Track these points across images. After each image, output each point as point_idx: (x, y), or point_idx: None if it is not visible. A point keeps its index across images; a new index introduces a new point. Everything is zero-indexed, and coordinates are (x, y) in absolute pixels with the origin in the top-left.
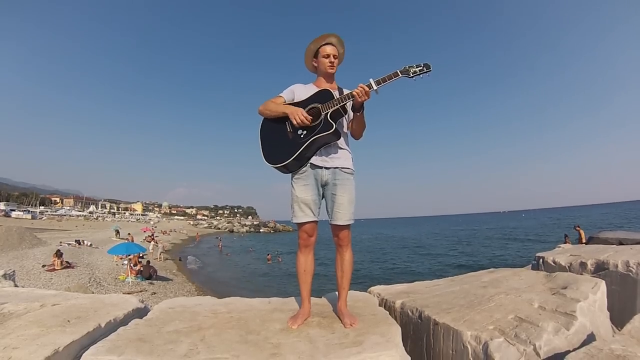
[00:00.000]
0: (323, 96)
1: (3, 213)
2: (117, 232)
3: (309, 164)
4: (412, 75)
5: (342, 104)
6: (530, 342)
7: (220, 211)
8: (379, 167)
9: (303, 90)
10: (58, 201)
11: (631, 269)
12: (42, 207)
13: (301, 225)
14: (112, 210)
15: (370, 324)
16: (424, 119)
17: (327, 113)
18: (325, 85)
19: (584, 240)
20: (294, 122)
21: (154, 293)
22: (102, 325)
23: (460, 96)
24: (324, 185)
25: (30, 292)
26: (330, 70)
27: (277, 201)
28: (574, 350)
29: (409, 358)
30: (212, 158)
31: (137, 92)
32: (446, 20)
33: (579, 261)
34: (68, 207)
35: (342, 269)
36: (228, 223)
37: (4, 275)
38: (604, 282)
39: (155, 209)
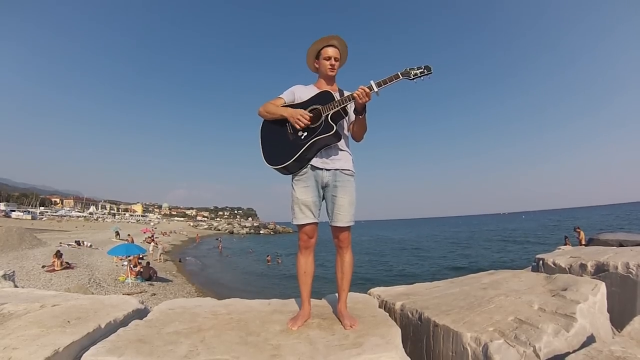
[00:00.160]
0: (324, 98)
1: (3, 213)
2: (117, 233)
3: (309, 166)
4: (412, 77)
5: (342, 105)
6: (530, 344)
7: (220, 212)
8: (378, 169)
9: (304, 92)
10: (58, 202)
11: (631, 270)
12: (42, 207)
13: (301, 227)
14: (112, 211)
15: (370, 326)
16: (424, 120)
17: (328, 115)
18: (325, 87)
19: (583, 242)
20: (296, 127)
21: (154, 294)
22: (102, 326)
23: (460, 97)
24: (325, 187)
25: (30, 293)
26: (331, 73)
27: (277, 203)
28: (574, 352)
29: (409, 359)
30: (212, 159)
31: (137, 92)
32: (446, 21)
33: (579, 263)
34: (68, 208)
35: (342, 271)
36: (228, 224)
37: (4, 276)
38: (604, 283)
39: (155, 210)
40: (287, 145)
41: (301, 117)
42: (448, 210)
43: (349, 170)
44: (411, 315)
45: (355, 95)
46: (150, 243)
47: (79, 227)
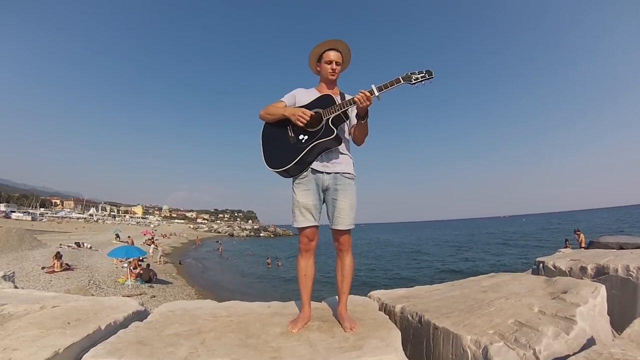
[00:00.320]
0: (325, 101)
1: (3, 214)
2: (117, 235)
3: (310, 169)
4: (414, 81)
5: (343, 109)
6: (530, 347)
7: (221, 215)
8: (379, 172)
9: (305, 95)
10: (58, 203)
11: (631, 273)
12: (42, 209)
13: (302, 230)
14: (112, 213)
15: (370, 328)
16: (424, 124)
17: (329, 118)
18: (327, 91)
19: (583, 245)
20: (298, 123)
21: (154, 296)
22: (102, 327)
23: (461, 100)
24: (325, 190)
25: (30, 294)
26: (331, 77)
27: (277, 205)
28: (574, 354)
29: None
30: (213, 161)
31: (138, 95)
32: (446, 23)
33: (579, 266)
34: (68, 209)
35: (343, 274)
36: (228, 227)
37: (4, 277)
38: (604, 286)
39: (155, 212)
40: (288, 149)
41: (302, 115)
42: (448, 214)
43: (349, 173)
44: (411, 318)
45: (356, 99)
46: (150, 245)
47: (79, 228)
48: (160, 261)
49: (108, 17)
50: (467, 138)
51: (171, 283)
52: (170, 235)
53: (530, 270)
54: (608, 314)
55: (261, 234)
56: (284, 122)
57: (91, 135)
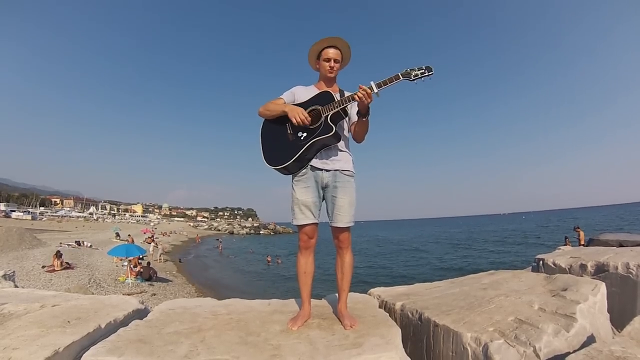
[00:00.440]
0: (323, 98)
1: (3, 214)
2: (117, 234)
3: (309, 166)
4: (413, 78)
5: (342, 106)
6: (530, 344)
7: (221, 213)
8: (378, 169)
9: (304, 92)
10: (58, 202)
11: (631, 270)
12: (42, 208)
13: (301, 228)
14: (112, 212)
15: (370, 326)
16: (424, 121)
17: (328, 115)
18: (325, 88)
19: (582, 242)
20: (294, 121)
21: (154, 294)
22: (102, 326)
23: (461, 98)
24: (325, 188)
25: (30, 293)
26: (330, 75)
27: (277, 203)
28: (574, 352)
29: (409, 359)
30: (213, 160)
31: (138, 94)
32: (446, 22)
33: (579, 263)
34: (68, 208)
35: (342, 271)
36: (228, 225)
37: (4, 276)
38: (604, 284)
39: (155, 210)
40: (287, 146)
41: (300, 113)
42: (448, 211)
43: (349, 171)
44: (411, 315)
45: (357, 97)
46: (150, 243)
47: (79, 227)
48: (160, 259)
49: (108, 17)
50: (468, 136)
51: (171, 281)
52: (170, 233)
53: (530, 267)
54: (608, 311)
55: (261, 232)
56: (282, 120)
57: (91, 135)
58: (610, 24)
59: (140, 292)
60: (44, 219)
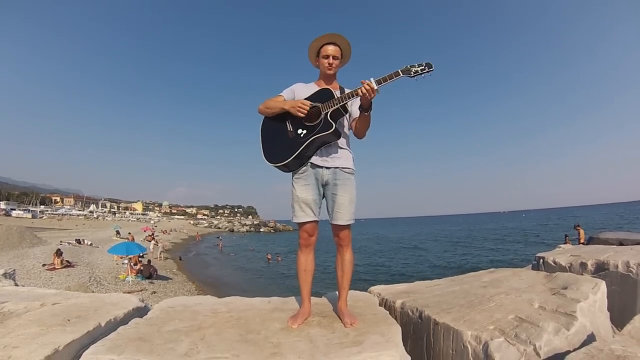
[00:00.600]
0: (323, 95)
1: (3, 212)
2: (118, 232)
3: (309, 164)
4: (413, 74)
5: (342, 103)
6: (530, 342)
7: (221, 211)
8: (379, 167)
9: (304, 90)
10: (58, 200)
11: (631, 269)
12: (43, 206)
13: (302, 225)
14: (112, 210)
15: (370, 324)
16: (425, 119)
17: (327, 112)
18: (325, 85)
19: (582, 240)
20: (298, 114)
21: (154, 292)
22: (102, 324)
23: (461, 96)
24: (325, 185)
25: (30, 291)
26: (329, 72)
27: (277, 201)
28: (574, 350)
29: (409, 358)
30: (213, 158)
31: (138, 93)
32: (445, 21)
33: (579, 261)
34: (68, 207)
35: (343, 269)
36: (228, 222)
37: (5, 274)
38: (604, 282)
39: (155, 208)
40: (287, 143)
41: (302, 105)
42: (447, 209)
43: (349, 168)
44: (411, 313)
45: (360, 92)
46: (150, 241)
47: (80, 225)
48: (160, 257)
49: (107, 17)
50: (468, 134)
51: (171, 279)
52: (171, 231)
53: (530, 265)
54: (608, 310)
55: (261, 230)
56: (282, 117)
57: (91, 133)
58: (610, 24)
59: (141, 290)
60: (45, 217)
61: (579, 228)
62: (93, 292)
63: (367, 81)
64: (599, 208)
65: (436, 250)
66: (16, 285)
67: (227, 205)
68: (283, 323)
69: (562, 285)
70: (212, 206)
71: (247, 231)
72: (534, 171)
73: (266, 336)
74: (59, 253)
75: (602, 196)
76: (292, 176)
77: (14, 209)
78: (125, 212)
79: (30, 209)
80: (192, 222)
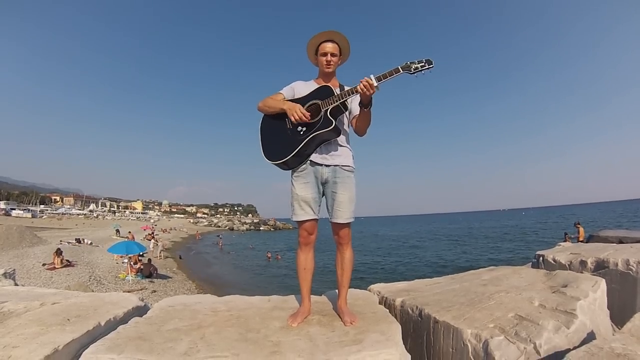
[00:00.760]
0: (323, 92)
1: (3, 212)
2: (118, 231)
3: (308, 162)
4: (413, 71)
5: (342, 100)
6: (530, 341)
7: (221, 209)
8: (379, 165)
9: (303, 87)
10: (58, 200)
11: (631, 267)
12: (42, 205)
13: (301, 224)
14: (112, 209)
15: (370, 322)
16: (425, 117)
17: (327, 110)
18: (325, 83)
19: (581, 238)
20: (292, 119)
21: (154, 291)
22: (102, 323)
23: (461, 94)
24: (324, 183)
25: (30, 291)
26: (327, 69)
27: (277, 199)
28: (574, 348)
29: (409, 356)
30: (213, 156)
31: (137, 92)
32: (444, 19)
33: (579, 259)
34: (68, 206)
35: (342, 267)
36: (228, 221)
37: (4, 274)
38: (604, 280)
39: (155, 207)
40: (287, 141)
41: (298, 111)
42: (447, 207)
43: (349, 166)
44: (411, 311)
45: (359, 89)
46: (150, 240)
47: (79, 224)
48: (160, 256)
49: (107, 16)
50: (468, 132)
51: (171, 278)
52: (170, 230)
53: (530, 263)
54: (608, 308)
55: (261, 228)
56: (282, 114)
57: (91, 132)
58: (610, 24)
59: (141, 289)
60: (44, 216)
61: (579, 226)
62: (93, 291)
63: (366, 78)
64: (598, 206)
65: (435, 249)
66: (16, 284)
67: (227, 203)
68: (283, 322)
69: (562, 283)
70: (212, 205)
71: (247, 230)
72: (533, 169)
73: (266, 335)
74: (58, 252)
75: (602, 194)
76: (292, 174)
77: (14, 209)
78: (125, 211)
79: (30, 208)
80: (192, 220)
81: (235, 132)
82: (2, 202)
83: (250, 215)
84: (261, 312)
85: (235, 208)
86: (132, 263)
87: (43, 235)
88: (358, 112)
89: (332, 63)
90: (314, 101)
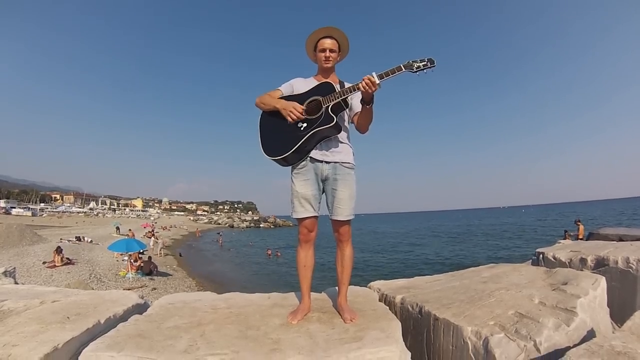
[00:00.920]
0: (324, 89)
1: (3, 210)
2: (118, 228)
3: (308, 158)
4: (415, 70)
5: (343, 97)
6: (530, 338)
7: (221, 206)
8: (379, 162)
9: (302, 84)
10: (58, 198)
11: (631, 265)
12: (43, 204)
13: (301, 221)
14: (112, 207)
15: (370, 319)
16: (425, 115)
17: (328, 106)
18: (324, 79)
19: (581, 236)
20: (288, 119)
21: (155, 289)
22: (102, 321)
23: (461, 92)
24: (324, 180)
25: (30, 289)
26: (326, 65)
27: (277, 196)
28: (574, 346)
29: (409, 353)
30: (213, 153)
31: (137, 90)
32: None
33: (579, 257)
34: (68, 204)
35: (343, 264)
36: (228, 218)
37: (5, 273)
38: (604, 278)
39: (155, 205)
40: (286, 137)
41: (293, 110)
42: (447, 204)
43: (349, 163)
44: (411, 308)
45: (361, 86)
46: (150, 238)
47: (80, 222)
48: (160, 253)
49: (107, 14)
50: (467, 130)
51: (172, 275)
52: (171, 227)
53: (530, 261)
54: (608, 305)
55: (261, 225)
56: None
57: (90, 130)
58: (610, 23)
59: (141, 287)
60: (44, 215)
61: (579, 223)
62: (93, 289)
63: (368, 76)
64: (598, 204)
65: (435, 246)
66: (16, 283)
67: (227, 201)
68: (283, 319)
69: (562, 281)
70: (212, 202)
71: (247, 227)
72: (533, 167)
73: (266, 332)
74: (59, 250)
75: (602, 192)
76: (292, 171)
77: (14, 207)
78: (125, 209)
79: (30, 206)
80: (192, 218)
81: (235, 130)
82: (2, 200)
83: (250, 212)
84: (261, 309)
85: (235, 205)
86: (132, 261)
87: (43, 234)
88: (359, 109)
89: (330, 59)
90: (315, 97)
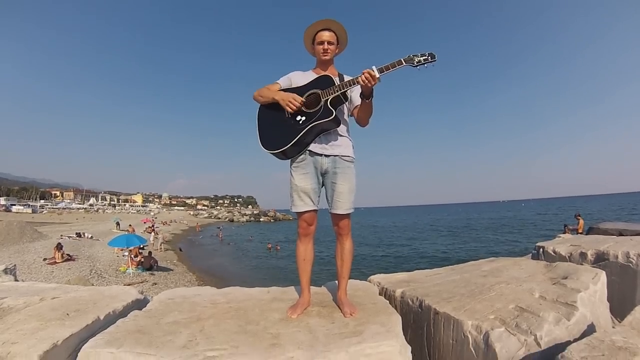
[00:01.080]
0: (323, 82)
1: (4, 208)
2: (118, 224)
3: (307, 152)
4: (416, 64)
5: (343, 90)
6: (531, 332)
7: (220, 201)
8: (380, 155)
9: (301, 77)
10: (58, 194)
11: (631, 260)
12: (43, 200)
13: (301, 215)
14: (112, 202)
15: (370, 314)
16: (427, 109)
17: (328, 100)
18: (323, 72)
19: (580, 230)
20: (287, 110)
21: (155, 284)
22: (101, 317)
23: (462, 87)
24: (324, 174)
25: (30, 286)
26: (324, 57)
27: (277, 190)
28: (575, 341)
29: (409, 347)
30: (212, 148)
31: (136, 86)
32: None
33: (579, 251)
34: (68, 200)
35: (342, 258)
36: (228, 213)
37: (5, 270)
38: (604, 272)
39: (155, 200)
40: (285, 130)
41: (292, 101)
42: (447, 198)
43: (349, 156)
44: (412, 302)
45: (361, 80)
46: (150, 233)
47: (80, 219)
48: (160, 248)
49: (107, 12)
50: (469, 124)
51: (172, 270)
52: (171, 222)
53: (530, 255)
54: (608, 300)
55: (261, 219)
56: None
57: (89, 127)
58: (610, 22)
59: (141, 282)
60: (45, 211)
61: (579, 217)
62: (94, 285)
63: (368, 69)
64: (598, 198)
65: (435, 240)
66: (16, 280)
67: (226, 195)
68: (282, 313)
69: (562, 275)
70: (212, 197)
71: (247, 221)
72: (533, 161)
73: (265, 327)
74: (59, 247)
75: (602, 186)
76: (291, 165)
77: (14, 205)
78: (125, 205)
79: (30, 204)
80: (192, 213)
81: (234, 125)
82: (2, 198)
83: (250, 206)
84: (260, 303)
85: (235, 200)
86: (132, 256)
87: (43, 230)
88: (359, 103)
89: (329, 51)
90: (314, 90)
